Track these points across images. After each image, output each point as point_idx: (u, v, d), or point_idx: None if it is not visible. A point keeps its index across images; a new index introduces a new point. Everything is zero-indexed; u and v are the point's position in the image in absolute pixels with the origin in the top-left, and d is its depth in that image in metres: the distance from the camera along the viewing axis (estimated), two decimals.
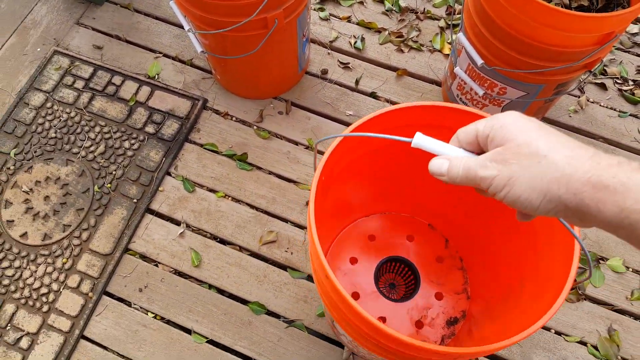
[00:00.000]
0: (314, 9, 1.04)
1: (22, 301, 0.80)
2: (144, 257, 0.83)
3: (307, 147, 0.92)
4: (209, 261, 0.82)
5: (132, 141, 0.91)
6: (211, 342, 0.77)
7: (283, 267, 0.82)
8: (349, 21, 1.04)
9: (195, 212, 0.86)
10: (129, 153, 0.90)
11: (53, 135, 0.92)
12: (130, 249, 0.83)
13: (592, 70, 0.70)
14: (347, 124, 0.94)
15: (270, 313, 0.79)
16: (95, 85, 0.96)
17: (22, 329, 0.78)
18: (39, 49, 1.01)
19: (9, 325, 0.79)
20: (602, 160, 0.26)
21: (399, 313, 0.73)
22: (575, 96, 0.96)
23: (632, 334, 0.77)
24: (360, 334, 0.48)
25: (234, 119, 0.94)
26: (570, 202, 0.26)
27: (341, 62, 0.99)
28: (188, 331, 0.78)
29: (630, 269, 0.82)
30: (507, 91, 0.76)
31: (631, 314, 0.79)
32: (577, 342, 0.77)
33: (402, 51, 1.00)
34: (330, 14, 1.04)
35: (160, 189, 0.88)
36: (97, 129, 0.92)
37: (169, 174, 0.89)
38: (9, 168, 0.90)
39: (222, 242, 0.84)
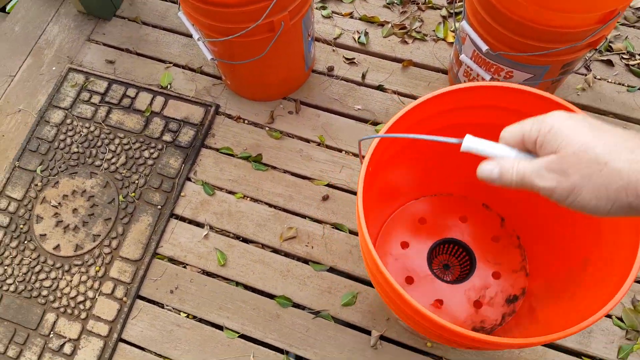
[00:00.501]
0: (317, 8, 1.06)
1: (62, 310, 0.85)
2: (172, 260, 0.87)
3: (318, 144, 0.94)
4: (234, 260, 0.86)
5: (152, 150, 0.95)
6: (243, 336, 0.81)
7: (305, 261, 0.85)
8: (352, 17, 1.05)
9: (217, 214, 0.89)
10: (150, 162, 0.94)
11: (75, 150, 0.96)
12: (159, 253, 0.87)
13: (596, 48, 0.71)
14: (357, 119, 0.96)
15: (297, 305, 0.82)
16: (111, 98, 1.00)
17: (64, 335, 0.83)
18: (54, 68, 1.04)
19: (51, 333, 0.83)
20: None
21: (456, 294, 0.72)
22: (582, 74, 0.97)
23: None
24: (416, 323, 0.48)
25: (246, 122, 0.97)
26: None
27: (346, 58, 1.01)
28: (220, 327, 0.82)
29: None
30: (514, 74, 0.78)
31: None
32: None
33: (406, 42, 1.02)
34: (333, 12, 1.06)
35: (182, 194, 0.91)
36: (117, 141, 0.96)
37: (189, 179, 0.92)
38: (36, 185, 0.94)
39: (245, 240, 0.88)
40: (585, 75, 0.97)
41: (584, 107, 0.94)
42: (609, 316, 0.78)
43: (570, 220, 0.61)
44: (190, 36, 1.03)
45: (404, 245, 0.75)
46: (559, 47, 0.68)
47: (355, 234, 0.87)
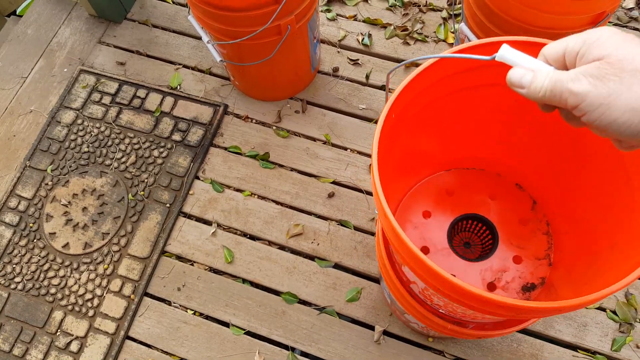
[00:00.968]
0: (322, 11, 1.08)
1: (69, 307, 0.85)
2: (180, 258, 0.88)
3: (324, 143, 0.96)
4: (240, 257, 0.86)
5: (161, 149, 0.96)
6: (249, 333, 0.81)
7: (311, 258, 0.86)
8: (355, 19, 1.07)
9: (225, 211, 0.90)
10: (159, 161, 0.95)
11: (86, 149, 0.98)
12: (167, 251, 0.88)
13: None
14: (361, 117, 0.98)
15: (302, 302, 0.83)
16: (122, 99, 1.02)
17: (71, 333, 0.84)
18: (65, 70, 1.07)
19: (58, 331, 0.84)
20: None
21: (471, 273, 0.68)
22: None
23: None
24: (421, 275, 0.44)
25: (254, 121, 0.99)
26: None
27: (351, 59, 1.03)
28: (226, 324, 0.82)
29: None
30: None
31: None
32: (596, 308, 0.79)
33: (408, 44, 1.04)
34: (337, 14, 1.08)
35: (190, 192, 0.92)
36: (127, 140, 0.98)
37: (197, 177, 0.94)
38: (47, 184, 0.96)
39: (252, 238, 0.88)
40: None
41: None
42: (603, 309, 0.79)
43: (601, 207, 0.57)
44: (200, 38, 1.06)
45: (426, 214, 0.71)
46: None
47: (361, 230, 0.88)
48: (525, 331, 0.79)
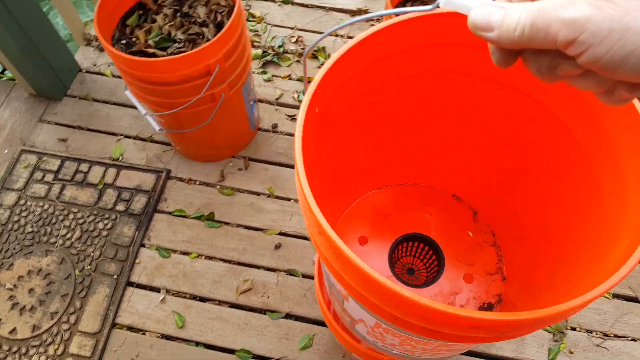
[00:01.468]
0: (257, 73, 1.16)
1: None
2: (131, 328, 0.88)
3: (268, 196, 1.00)
4: (191, 320, 0.87)
5: (105, 221, 0.98)
6: None
7: (262, 312, 0.88)
8: (290, 78, 1.16)
9: (173, 276, 0.92)
10: (104, 233, 0.97)
11: (30, 229, 0.98)
12: (118, 323, 0.88)
13: None
14: None
15: (257, 357, 0.84)
16: (64, 175, 1.03)
17: None
18: (6, 151, 1.08)
19: None
20: None
21: None
22: None
23: None
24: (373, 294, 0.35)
25: (197, 182, 1.02)
26: None
27: (288, 115, 1.10)
28: None
29: None
30: None
31: None
32: None
33: None
34: (273, 75, 1.16)
35: (137, 261, 0.93)
36: (71, 216, 0.99)
37: (143, 245, 0.95)
38: None
39: (202, 299, 0.90)
40: None
41: None
42: None
43: (550, 208, 0.51)
44: None
45: (362, 240, 0.65)
46: None
47: (309, 277, 0.91)
48: (469, 352, 0.83)
